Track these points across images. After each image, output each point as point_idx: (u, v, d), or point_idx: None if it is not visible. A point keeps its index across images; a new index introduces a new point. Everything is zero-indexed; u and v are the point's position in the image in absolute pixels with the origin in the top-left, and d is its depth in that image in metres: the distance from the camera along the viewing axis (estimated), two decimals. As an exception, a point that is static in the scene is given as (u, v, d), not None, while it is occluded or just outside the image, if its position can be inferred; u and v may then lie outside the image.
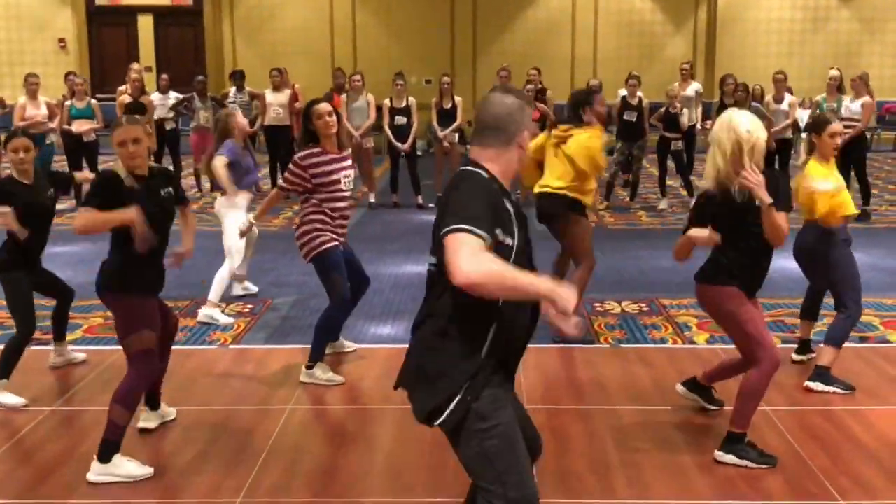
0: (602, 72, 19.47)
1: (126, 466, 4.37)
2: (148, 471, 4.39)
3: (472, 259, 2.55)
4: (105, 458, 4.34)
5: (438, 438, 2.41)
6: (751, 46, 20.44)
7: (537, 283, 2.66)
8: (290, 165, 5.65)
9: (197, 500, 4.18)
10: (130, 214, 4.29)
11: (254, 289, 7.85)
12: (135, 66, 14.39)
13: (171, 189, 4.65)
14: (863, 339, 6.44)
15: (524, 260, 2.85)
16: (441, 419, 2.83)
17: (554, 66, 19.88)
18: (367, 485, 4.39)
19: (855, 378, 5.61)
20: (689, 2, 20.79)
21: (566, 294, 2.65)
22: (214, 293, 7.13)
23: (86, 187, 5.30)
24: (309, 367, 5.67)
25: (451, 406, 2.81)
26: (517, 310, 2.86)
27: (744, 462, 4.42)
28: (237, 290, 7.71)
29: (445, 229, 2.64)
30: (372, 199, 12.74)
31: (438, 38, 20.68)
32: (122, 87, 13.45)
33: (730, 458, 4.45)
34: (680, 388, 5.22)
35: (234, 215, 7.11)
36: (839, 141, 5.53)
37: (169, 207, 4.62)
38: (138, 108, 12.71)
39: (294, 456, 4.67)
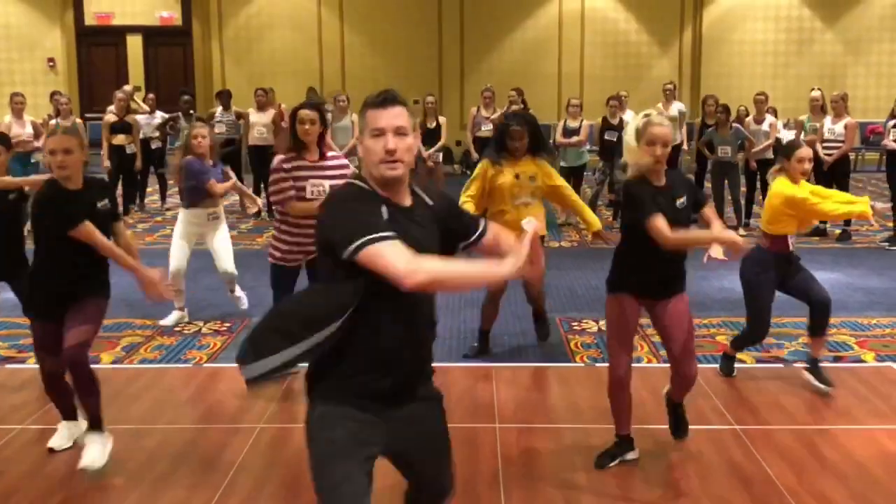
0: (588, 91, 19.56)
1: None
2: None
3: (405, 259, 2.50)
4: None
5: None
6: (736, 67, 20.56)
7: (493, 267, 2.70)
8: (271, 174, 5.60)
9: (162, 519, 4.17)
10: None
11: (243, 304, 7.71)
12: (126, 87, 14.47)
13: (107, 202, 4.68)
14: (837, 359, 6.46)
15: None
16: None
17: (541, 85, 19.98)
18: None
19: (826, 398, 5.63)
20: (674, 23, 20.92)
21: (515, 261, 2.65)
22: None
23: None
24: None
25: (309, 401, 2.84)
26: (388, 323, 2.71)
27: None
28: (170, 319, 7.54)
29: (347, 252, 2.55)
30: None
31: (426, 58, 20.75)
32: (111, 107, 13.52)
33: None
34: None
35: (181, 225, 7.42)
36: (807, 166, 5.58)
37: (105, 221, 4.63)
38: (124, 128, 12.76)
39: (261, 474, 4.67)
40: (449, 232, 2.90)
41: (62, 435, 4.98)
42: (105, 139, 12.86)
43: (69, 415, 4.99)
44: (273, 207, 5.97)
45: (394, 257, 2.49)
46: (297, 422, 5.40)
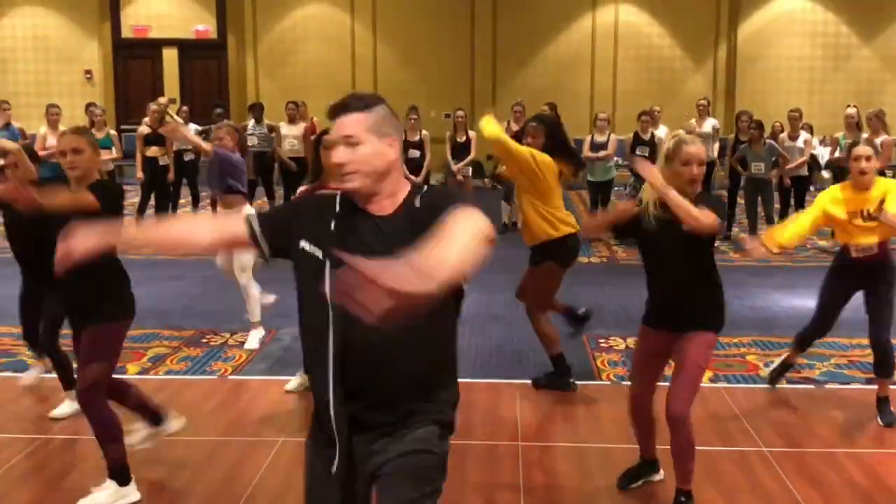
0: (621, 107, 19.47)
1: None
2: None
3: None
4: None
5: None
6: (771, 83, 20.37)
7: None
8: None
9: (180, 532, 4.15)
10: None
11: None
12: (161, 99, 14.60)
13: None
14: (870, 381, 6.33)
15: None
16: None
17: (574, 101, 19.90)
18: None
19: (859, 423, 5.51)
20: (709, 39, 20.77)
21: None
22: (253, 314, 7.22)
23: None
24: None
25: None
26: (314, 339, 2.55)
27: None
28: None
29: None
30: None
31: (458, 73, 20.75)
32: (146, 119, 13.65)
33: None
34: None
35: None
36: (864, 165, 5.23)
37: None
38: (157, 140, 12.85)
39: (280, 489, 4.64)
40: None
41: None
42: (139, 151, 12.95)
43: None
44: None
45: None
46: (319, 436, 5.39)
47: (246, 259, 7.03)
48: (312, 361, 2.58)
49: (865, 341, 5.68)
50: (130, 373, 6.50)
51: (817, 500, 4.44)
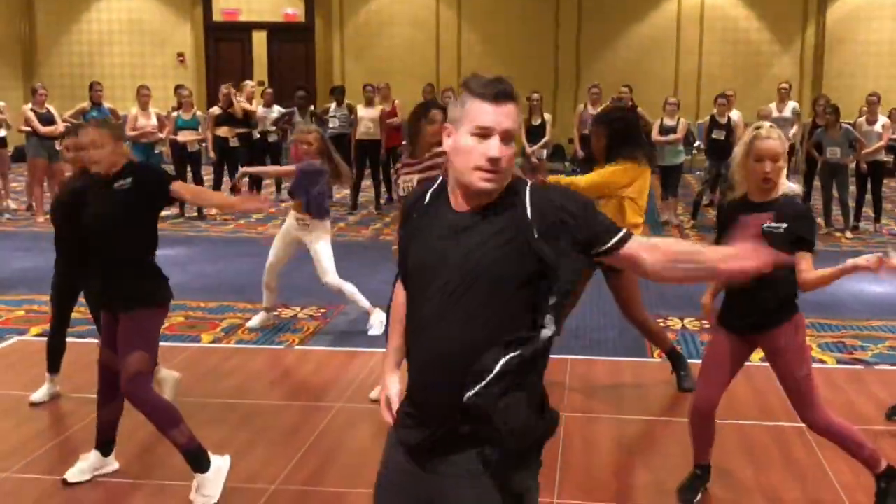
0: (706, 90, 19.32)
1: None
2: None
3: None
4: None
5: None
6: (860, 67, 19.96)
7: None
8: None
9: (235, 484, 4.44)
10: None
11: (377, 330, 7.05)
12: (248, 83, 15.12)
13: (129, 180, 4.25)
14: (921, 363, 6.37)
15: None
16: None
17: (658, 83, 19.80)
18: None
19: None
20: (796, 21, 20.45)
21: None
22: (360, 304, 7.08)
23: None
24: None
25: None
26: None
27: None
28: (255, 322, 7.34)
29: None
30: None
31: (542, 57, 20.81)
32: (238, 99, 14.16)
33: None
34: None
35: (325, 242, 7.09)
36: None
37: (118, 208, 4.23)
38: (228, 119, 13.28)
39: (333, 451, 4.94)
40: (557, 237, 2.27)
41: (80, 466, 4.55)
42: (210, 131, 13.38)
43: (101, 441, 4.58)
44: None
45: None
46: (376, 401, 5.68)
47: (324, 264, 7.03)
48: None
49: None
50: (204, 342, 6.90)
51: (847, 473, 4.54)
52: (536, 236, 2.23)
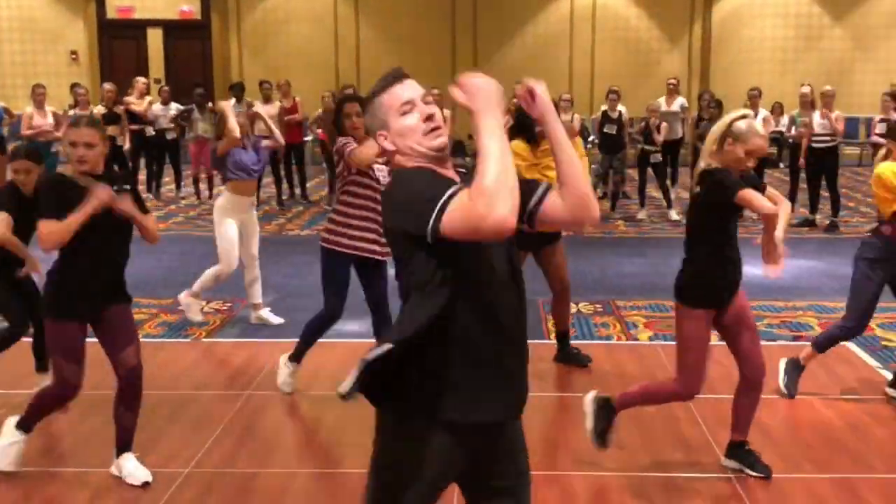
0: (598, 86, 19.87)
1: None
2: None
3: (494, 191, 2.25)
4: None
5: (370, 422, 2.59)
6: (745, 63, 20.81)
7: None
8: (337, 142, 5.43)
9: (152, 469, 4.58)
10: (94, 201, 4.13)
11: (276, 320, 7.43)
12: (140, 79, 14.99)
13: (127, 187, 4.45)
14: (796, 338, 6.84)
15: None
16: None
17: (554, 79, 20.29)
18: (306, 458, 4.84)
19: (776, 372, 6.00)
20: (684, 19, 21.21)
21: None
22: (198, 285, 7.24)
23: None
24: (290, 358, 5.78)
25: None
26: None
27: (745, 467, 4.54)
28: (252, 319, 7.45)
29: (431, 224, 2.30)
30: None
31: (440, 53, 21.13)
32: (128, 98, 14.06)
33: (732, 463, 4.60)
34: None
35: (229, 221, 7.17)
36: None
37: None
38: (113, 118, 13.19)
39: (245, 434, 5.13)
40: None
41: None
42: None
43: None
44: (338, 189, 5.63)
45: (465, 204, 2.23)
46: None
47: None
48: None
49: (800, 303, 6.18)
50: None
51: (726, 438, 4.91)
52: None
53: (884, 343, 6.71)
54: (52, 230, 4.12)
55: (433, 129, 2.48)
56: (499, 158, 2.19)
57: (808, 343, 5.92)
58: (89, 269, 4.35)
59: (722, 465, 4.64)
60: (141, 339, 6.74)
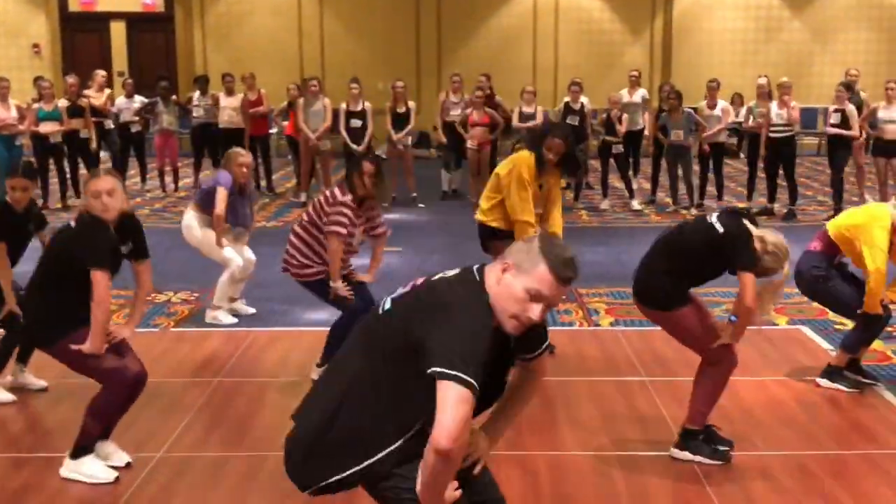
0: (562, 79, 20.04)
1: (92, 467, 4.51)
2: (112, 474, 4.50)
3: (460, 427, 2.47)
4: (75, 455, 4.51)
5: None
6: (705, 56, 21.08)
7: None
8: (341, 208, 5.56)
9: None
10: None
11: (249, 310, 7.52)
12: (99, 71, 14.90)
13: (130, 244, 4.73)
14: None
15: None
16: None
17: (517, 72, 20.44)
18: (276, 441, 4.95)
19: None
20: (646, 12, 21.44)
21: None
22: (217, 298, 7.23)
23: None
24: (319, 366, 5.70)
25: None
26: None
27: (697, 458, 4.62)
28: (223, 316, 7.31)
29: (437, 370, 2.49)
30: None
31: (404, 45, 21.23)
32: (88, 91, 14.01)
33: (685, 454, 4.67)
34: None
35: (206, 230, 7.17)
36: None
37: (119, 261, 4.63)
38: (77, 112, 13.13)
39: (216, 418, 5.24)
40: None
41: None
42: (65, 123, 13.08)
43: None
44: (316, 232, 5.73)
45: (458, 415, 2.46)
46: (250, 376, 5.98)
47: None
48: None
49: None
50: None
51: (681, 417, 5.08)
52: None
53: (836, 327, 6.92)
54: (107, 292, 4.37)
55: (522, 323, 2.62)
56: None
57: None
58: (77, 300, 4.37)
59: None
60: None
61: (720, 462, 4.61)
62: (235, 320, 7.28)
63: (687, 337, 4.70)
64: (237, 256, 7.23)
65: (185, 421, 5.19)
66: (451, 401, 2.45)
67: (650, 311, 4.75)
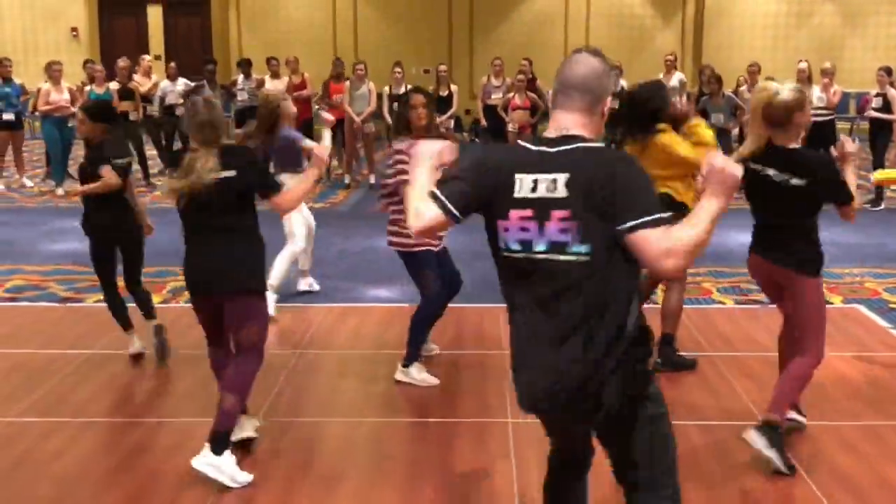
0: (594, 63, 20.16)
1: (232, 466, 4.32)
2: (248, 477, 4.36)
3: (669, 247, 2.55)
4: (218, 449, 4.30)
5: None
6: (737, 39, 21.18)
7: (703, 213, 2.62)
8: (399, 156, 5.30)
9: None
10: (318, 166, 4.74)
11: (317, 287, 7.72)
12: (145, 57, 15.18)
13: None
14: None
15: None
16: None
17: (548, 56, 20.58)
18: (365, 409, 5.21)
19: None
20: (678, -4, 21.57)
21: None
22: (275, 277, 6.97)
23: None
24: (405, 366, 5.61)
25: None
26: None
27: (770, 453, 4.33)
28: (301, 285, 7.63)
29: (635, 223, 2.57)
30: (372, 181, 13.47)
31: (437, 30, 21.41)
32: (134, 76, 14.28)
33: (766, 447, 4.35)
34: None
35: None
36: None
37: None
38: (128, 94, 13.41)
39: (304, 387, 5.50)
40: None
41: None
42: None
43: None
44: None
45: (664, 246, 2.55)
46: (326, 348, 6.22)
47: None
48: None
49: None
50: (155, 302, 7.27)
51: (754, 392, 5.32)
52: None
53: (891, 306, 7.11)
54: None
55: None
56: (701, 232, 2.57)
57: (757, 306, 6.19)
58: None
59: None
60: (184, 305, 7.19)
61: (788, 472, 4.36)
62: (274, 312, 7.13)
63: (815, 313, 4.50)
64: (303, 239, 7.27)
65: (275, 389, 5.44)
66: (655, 235, 2.56)
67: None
